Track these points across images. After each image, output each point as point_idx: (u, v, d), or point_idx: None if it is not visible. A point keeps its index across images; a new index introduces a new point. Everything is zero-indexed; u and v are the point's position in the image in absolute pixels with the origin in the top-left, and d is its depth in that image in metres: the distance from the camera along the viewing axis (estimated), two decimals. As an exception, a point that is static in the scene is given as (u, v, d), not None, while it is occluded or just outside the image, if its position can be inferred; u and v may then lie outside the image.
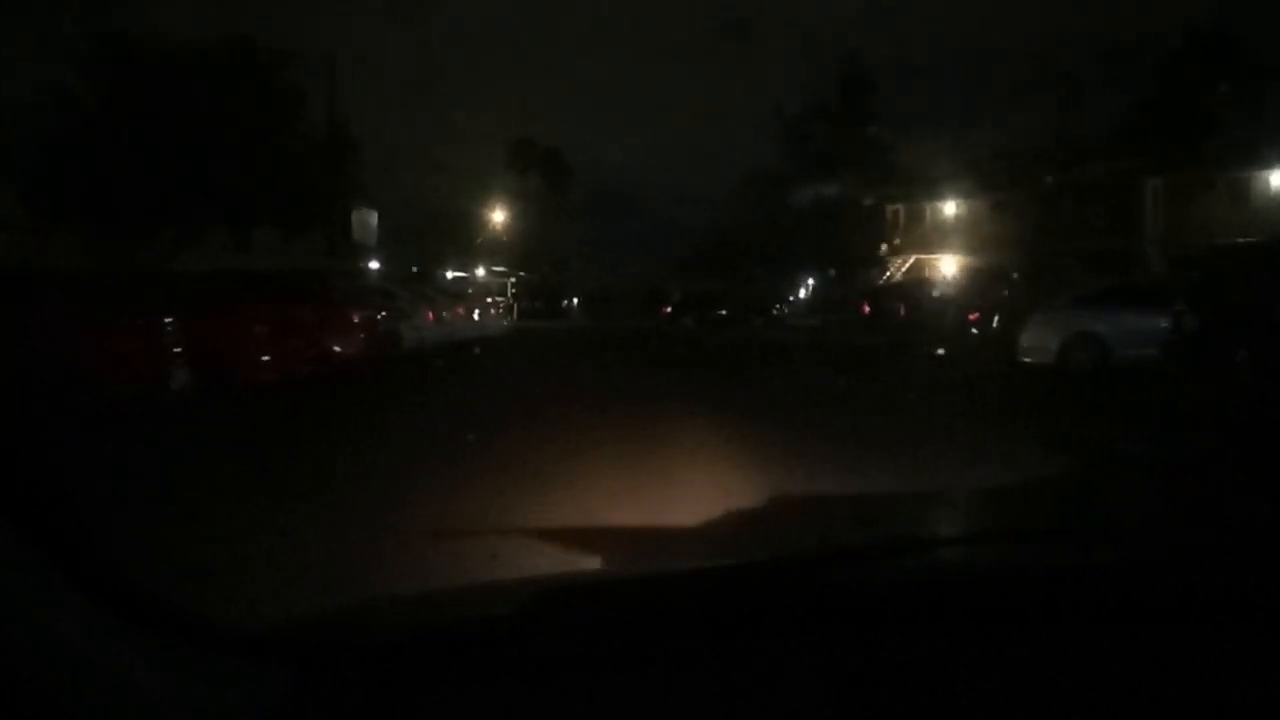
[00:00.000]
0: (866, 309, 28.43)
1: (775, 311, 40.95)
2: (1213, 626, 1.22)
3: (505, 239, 65.59)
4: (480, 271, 53.32)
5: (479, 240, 61.83)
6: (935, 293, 30.20)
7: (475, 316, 23.05)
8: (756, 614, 1.21)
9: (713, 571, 1.42)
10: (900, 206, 47.96)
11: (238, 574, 4.16)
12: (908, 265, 47.16)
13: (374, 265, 41.37)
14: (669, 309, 40.65)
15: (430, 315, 19.34)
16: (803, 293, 55.10)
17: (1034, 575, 1.36)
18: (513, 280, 56.44)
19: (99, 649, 0.92)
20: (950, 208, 46.45)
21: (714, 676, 1.10)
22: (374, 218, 48.96)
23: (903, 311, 22.88)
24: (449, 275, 51.87)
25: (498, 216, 66.33)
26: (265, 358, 10.48)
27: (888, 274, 47.85)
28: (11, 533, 0.92)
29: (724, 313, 39.52)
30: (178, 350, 9.40)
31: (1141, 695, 1.09)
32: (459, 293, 24.42)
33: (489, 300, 27.32)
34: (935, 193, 45.65)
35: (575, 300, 64.67)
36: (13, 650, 0.86)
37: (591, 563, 4.29)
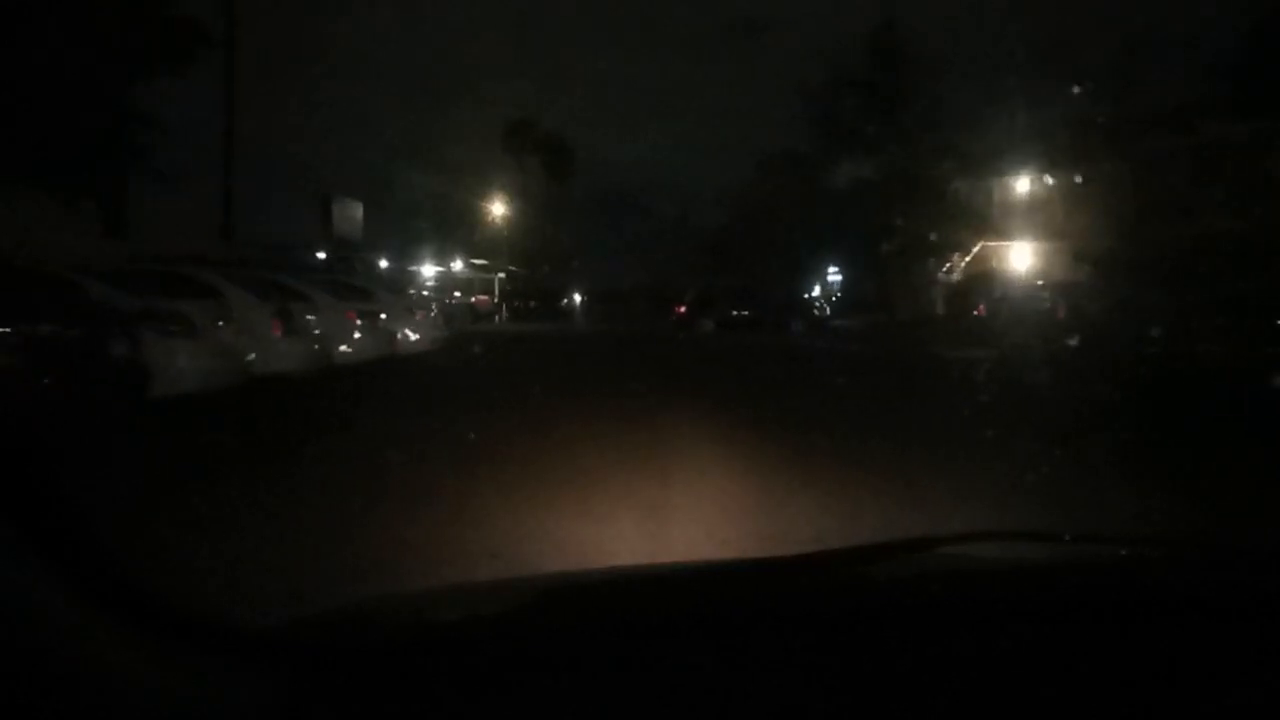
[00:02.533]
0: (980, 309, 20.33)
1: (817, 311, 32.71)
2: (1212, 625, 1.22)
3: (505, 232, 59.42)
4: (458, 265, 45.40)
5: (475, 233, 54.71)
6: (1041, 288, 22.16)
7: (383, 322, 14.92)
8: (756, 614, 1.22)
9: (713, 571, 1.48)
10: (957, 185, 39.79)
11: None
12: (973, 254, 39.06)
13: (321, 256, 34.19)
14: (683, 309, 32.50)
15: (278, 328, 11.30)
16: (819, 288, 47.34)
17: (1034, 575, 1.38)
18: (501, 276, 48.62)
19: (99, 649, 0.91)
20: (1023, 185, 38.30)
21: (714, 676, 1.11)
22: (359, 210, 43.96)
23: (1060, 314, 14.69)
24: (426, 271, 44.69)
25: (495, 207, 59.53)
26: None
27: (948, 265, 39.75)
28: (10, 532, 0.90)
29: (750, 314, 31.32)
30: None
31: (1143, 694, 1.09)
32: (366, 290, 16.20)
33: (406, 300, 18.98)
34: (1002, 168, 37.42)
35: (577, 299, 57.46)
36: (11, 650, 0.85)
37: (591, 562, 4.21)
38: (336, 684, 1.05)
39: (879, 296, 42.25)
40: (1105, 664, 1.14)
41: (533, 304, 50.77)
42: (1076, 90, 35.29)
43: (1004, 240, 37.90)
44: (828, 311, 33.24)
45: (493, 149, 61.54)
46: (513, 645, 1.13)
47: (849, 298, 43.17)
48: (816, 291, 43.58)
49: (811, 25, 63.30)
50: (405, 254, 44.61)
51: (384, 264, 40.25)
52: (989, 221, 37.82)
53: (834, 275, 49.93)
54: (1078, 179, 35.28)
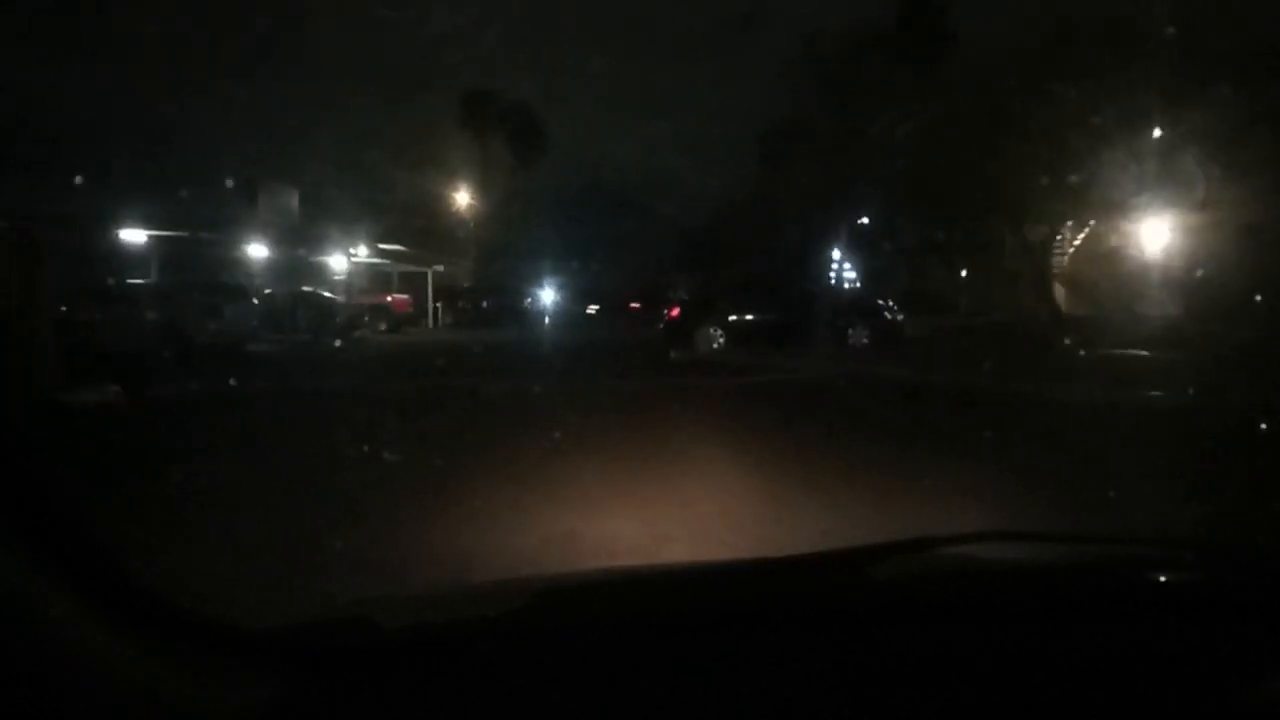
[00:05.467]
0: None
1: (888, 315, 21.12)
2: (1213, 625, 1.22)
3: (470, 222, 49.37)
4: (362, 254, 33.94)
5: (420, 221, 43.57)
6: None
7: None
8: (757, 613, 1.21)
9: (714, 571, 1.49)
10: (1062, 137, 28.17)
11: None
12: (1087, 231, 27.79)
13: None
14: (675, 312, 20.96)
15: None
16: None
17: (1034, 575, 1.38)
18: (438, 269, 37.35)
19: (99, 649, 0.91)
20: (1152, 136, 26.75)
21: (715, 675, 1.09)
22: (293, 198, 36.40)
23: None
24: (336, 263, 33.84)
25: (449, 193, 48.94)
26: None
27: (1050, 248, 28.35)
28: (12, 533, 0.91)
29: (777, 317, 19.67)
30: None
31: (1143, 693, 1.08)
32: None
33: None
34: (1121, 112, 25.77)
35: (546, 299, 47.11)
36: (13, 650, 0.85)
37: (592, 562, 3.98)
38: (336, 684, 1.04)
39: (945, 291, 31.22)
40: (1105, 664, 1.12)
41: (485, 304, 39.92)
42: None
43: (1125, 212, 26.56)
44: (900, 316, 21.49)
45: (456, 134, 51.10)
46: (512, 645, 1.13)
47: (893, 293, 31.89)
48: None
49: (803, 25, 52.99)
50: (326, 244, 33.67)
51: (262, 252, 28.83)
52: (1103, 189, 26.17)
53: (848, 267, 39.25)
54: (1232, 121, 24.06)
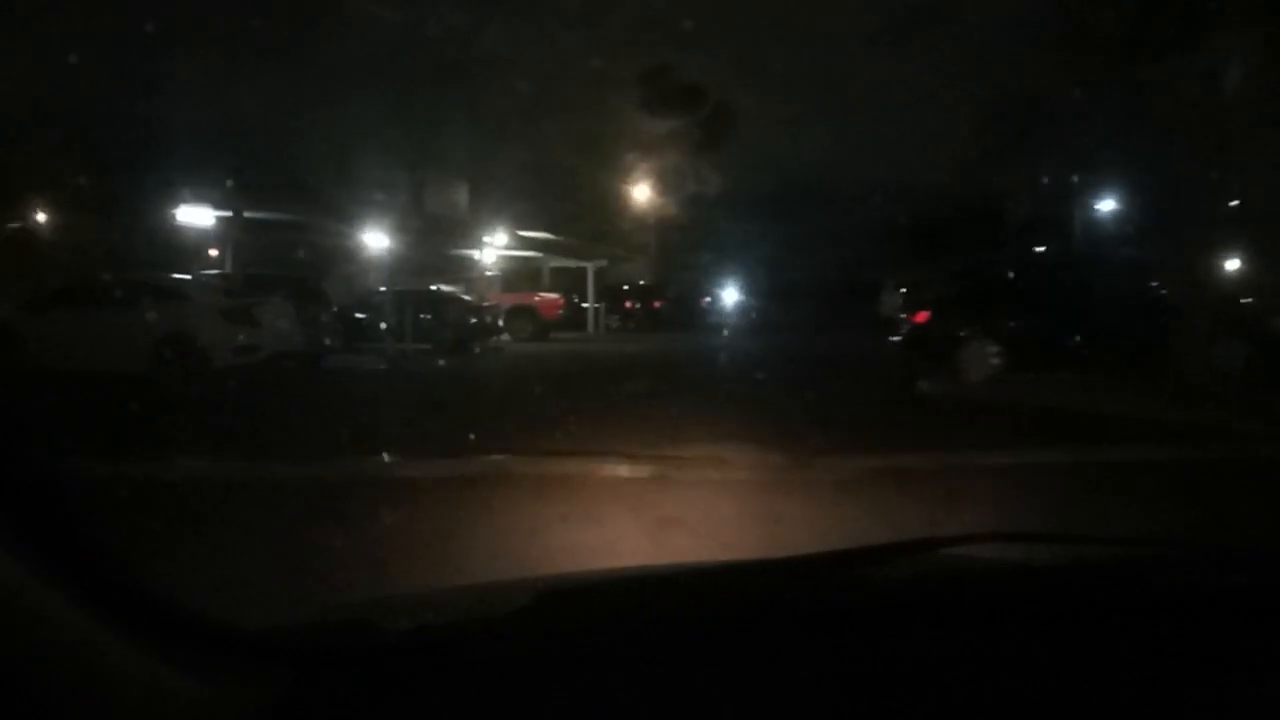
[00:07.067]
0: None
1: (1267, 320, 13.29)
2: (1212, 625, 1.21)
3: (649, 214, 43.48)
4: (500, 244, 28.14)
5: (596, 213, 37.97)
6: None
7: None
8: (759, 614, 1.21)
9: (715, 571, 1.45)
10: None
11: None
12: None
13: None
14: (923, 316, 13.85)
15: None
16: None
17: (1034, 575, 1.36)
18: (602, 264, 31.39)
19: (99, 649, 0.90)
20: None
21: (715, 676, 1.09)
22: (461, 191, 31.95)
23: None
24: (485, 256, 28.50)
25: (616, 179, 43.00)
26: None
27: None
28: (11, 532, 0.89)
29: (1083, 325, 12.22)
30: None
31: (1142, 694, 1.07)
32: None
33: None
34: None
35: (730, 299, 40.81)
36: (12, 650, 0.84)
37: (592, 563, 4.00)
38: (337, 685, 1.04)
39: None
40: (1105, 664, 1.12)
41: (658, 305, 33.91)
42: None
43: None
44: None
45: (634, 118, 45.26)
46: (512, 646, 1.12)
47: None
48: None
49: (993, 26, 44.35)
50: (470, 236, 28.57)
51: (383, 242, 23.53)
52: None
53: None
54: None
